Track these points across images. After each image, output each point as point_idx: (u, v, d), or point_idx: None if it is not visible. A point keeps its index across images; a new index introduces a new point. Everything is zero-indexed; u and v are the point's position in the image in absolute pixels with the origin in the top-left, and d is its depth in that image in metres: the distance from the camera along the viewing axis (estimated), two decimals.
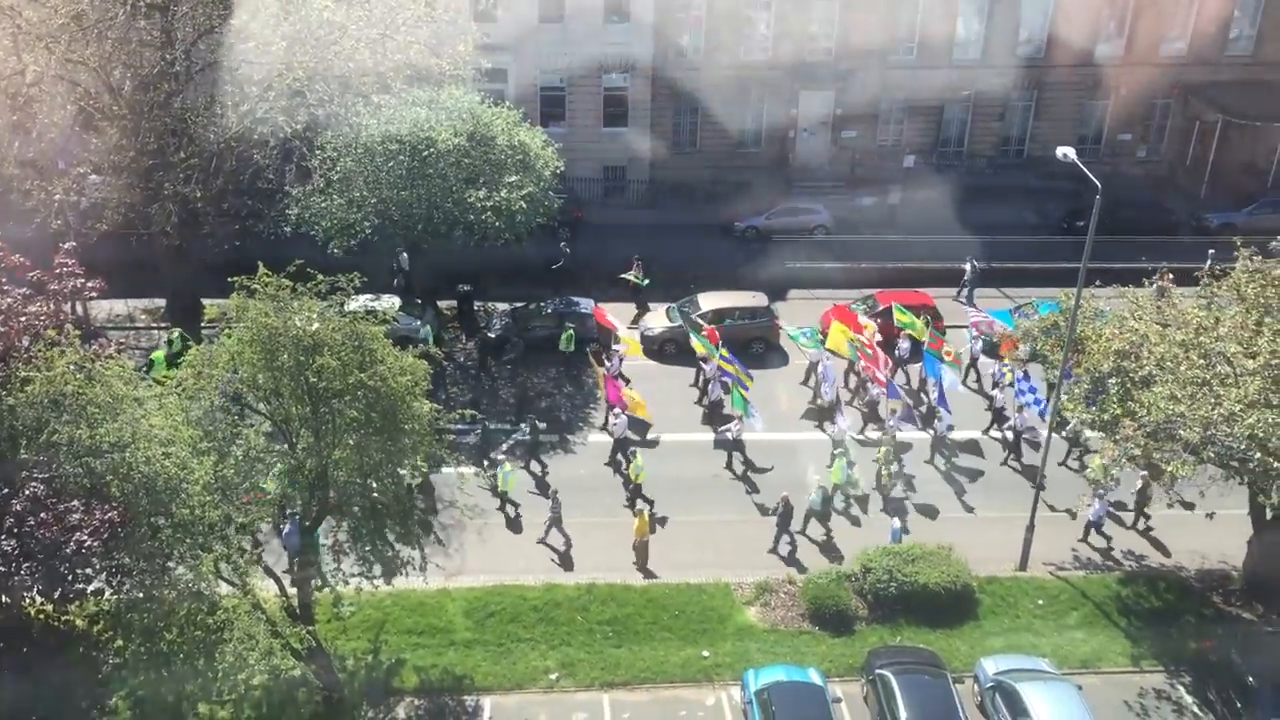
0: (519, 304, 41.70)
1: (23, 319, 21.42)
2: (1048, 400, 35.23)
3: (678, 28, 49.05)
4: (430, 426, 24.75)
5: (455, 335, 41.05)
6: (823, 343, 37.81)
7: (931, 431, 35.60)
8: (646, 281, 42.42)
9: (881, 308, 40.61)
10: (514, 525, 32.56)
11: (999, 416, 36.54)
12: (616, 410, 34.54)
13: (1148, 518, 32.84)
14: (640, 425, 35.96)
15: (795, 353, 39.63)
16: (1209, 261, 42.64)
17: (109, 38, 34.59)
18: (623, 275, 42.59)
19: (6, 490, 20.23)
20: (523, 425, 35.58)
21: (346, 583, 24.46)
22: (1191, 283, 32.17)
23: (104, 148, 36.71)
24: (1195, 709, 27.33)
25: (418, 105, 38.24)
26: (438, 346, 27.63)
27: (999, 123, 52.39)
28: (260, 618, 23.82)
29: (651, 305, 42.35)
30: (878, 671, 26.59)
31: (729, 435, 35.30)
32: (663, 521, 32.49)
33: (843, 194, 50.70)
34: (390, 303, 36.46)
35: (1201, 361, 27.89)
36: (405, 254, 41.07)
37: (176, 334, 37.19)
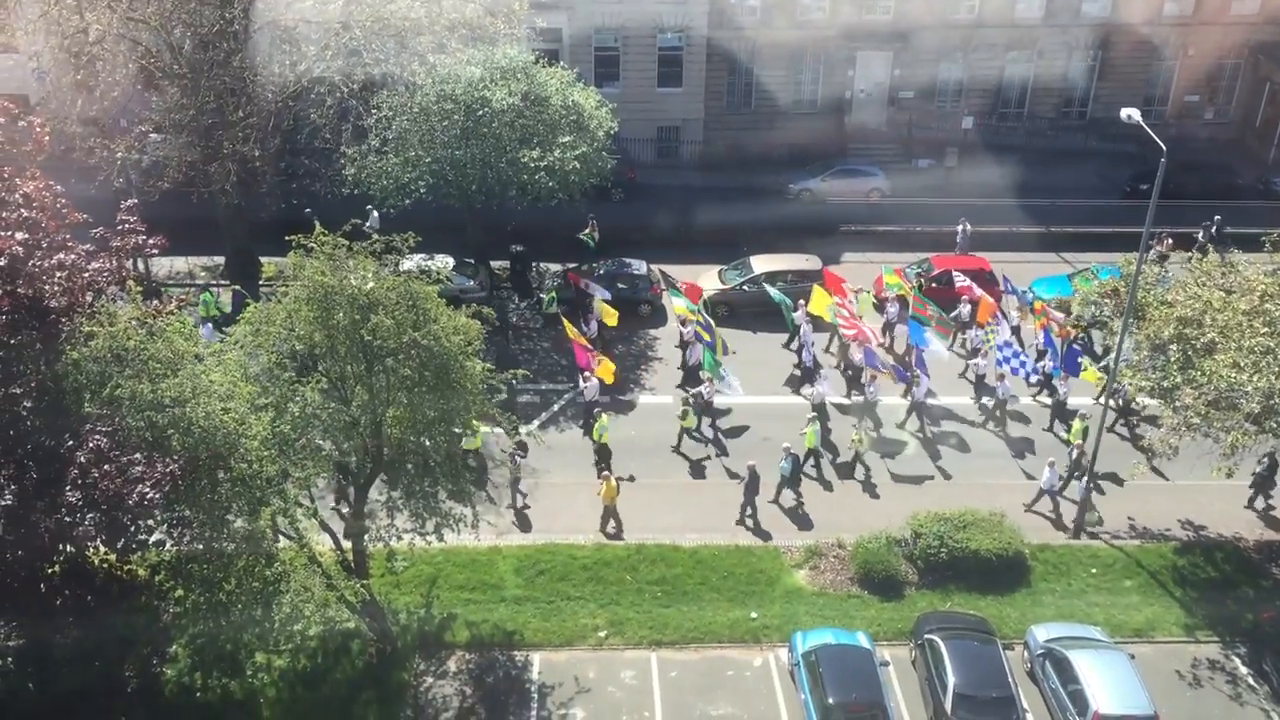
0: (571, 265, 41.76)
1: (86, 275, 21.76)
2: (1035, 364, 34.96)
3: None
4: (482, 385, 24.92)
5: (508, 296, 41.26)
6: (798, 308, 37.23)
7: (910, 397, 35.16)
8: (594, 241, 42.26)
9: (937, 271, 40.19)
10: (477, 482, 31.76)
11: (980, 384, 36.20)
12: (586, 374, 34.32)
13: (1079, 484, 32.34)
14: (615, 388, 35.74)
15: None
16: (1214, 226, 41.80)
17: None
18: (579, 235, 42.43)
19: (71, 443, 20.69)
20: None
21: (400, 538, 24.80)
22: (1257, 247, 31.49)
23: (165, 106, 37.18)
24: (1250, 680, 27.02)
25: (473, 65, 38.23)
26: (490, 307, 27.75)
27: (1061, 83, 51.36)
28: (316, 571, 24.27)
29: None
30: (927, 636, 26.54)
31: (708, 397, 34.72)
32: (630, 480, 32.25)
33: (899, 156, 50.10)
34: (444, 262, 36.65)
35: (1266, 330, 27.30)
36: (376, 213, 40.21)
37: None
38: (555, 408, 35.77)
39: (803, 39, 49.38)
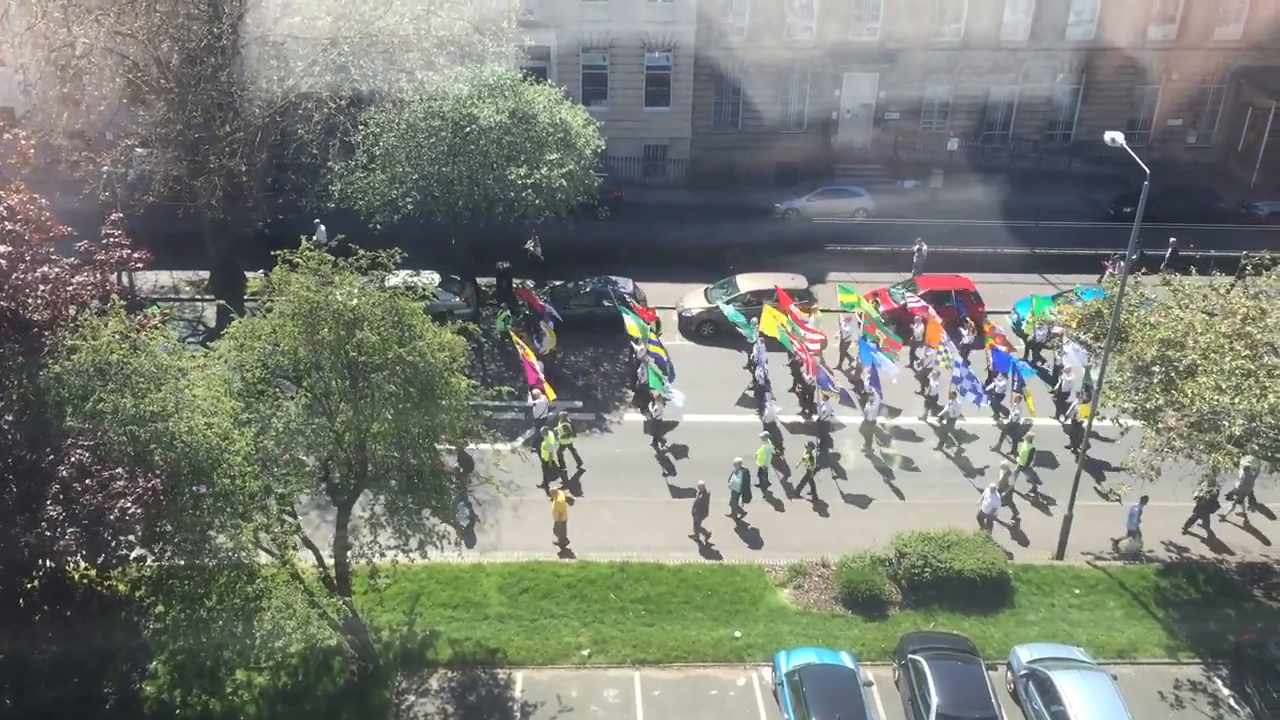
0: (558, 283, 41.77)
1: (70, 288, 21.68)
2: (984, 386, 35.20)
3: (721, 7, 48.79)
4: (467, 402, 24.89)
5: (493, 312, 41.22)
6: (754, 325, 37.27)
7: (863, 416, 35.18)
8: (539, 254, 42.59)
9: (922, 292, 40.35)
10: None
11: (932, 404, 36.35)
12: (535, 391, 34.29)
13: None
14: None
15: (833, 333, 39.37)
16: (1169, 250, 42.10)
17: (157, 10, 34.86)
18: (525, 247, 42.55)
19: (53, 457, 20.56)
20: None
21: (383, 555, 24.70)
22: (1237, 272, 31.70)
23: (151, 120, 37.12)
24: (1231, 702, 27.05)
25: (460, 82, 38.33)
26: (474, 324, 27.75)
27: (1046, 106, 51.78)
28: (298, 587, 24.13)
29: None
30: (910, 656, 26.51)
31: (657, 415, 34.78)
32: (572, 501, 32.04)
33: (885, 176, 50.37)
34: (430, 278, 36.64)
35: (1248, 353, 27.47)
36: (323, 226, 39.83)
37: None
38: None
39: (790, 59, 49.73)
